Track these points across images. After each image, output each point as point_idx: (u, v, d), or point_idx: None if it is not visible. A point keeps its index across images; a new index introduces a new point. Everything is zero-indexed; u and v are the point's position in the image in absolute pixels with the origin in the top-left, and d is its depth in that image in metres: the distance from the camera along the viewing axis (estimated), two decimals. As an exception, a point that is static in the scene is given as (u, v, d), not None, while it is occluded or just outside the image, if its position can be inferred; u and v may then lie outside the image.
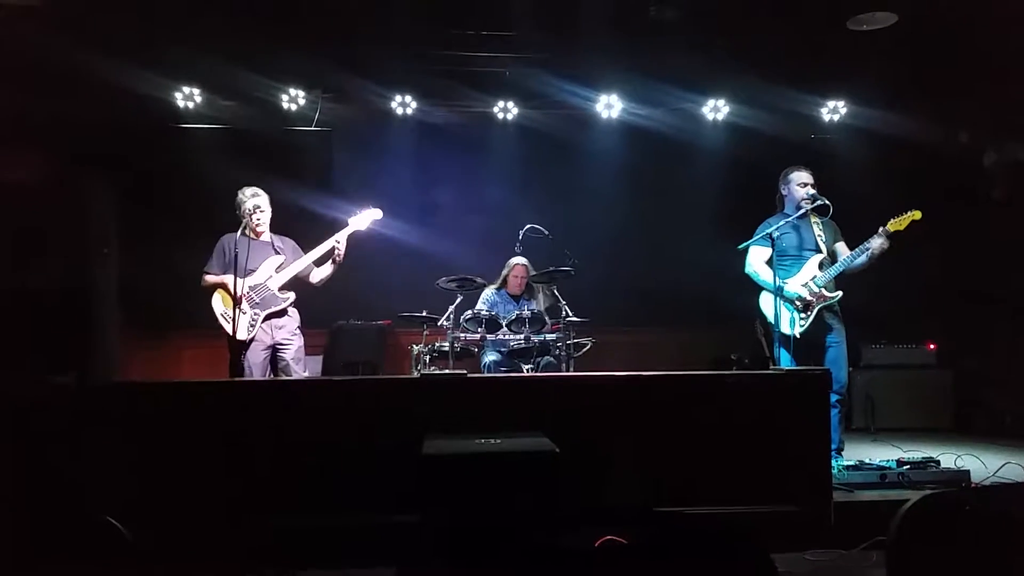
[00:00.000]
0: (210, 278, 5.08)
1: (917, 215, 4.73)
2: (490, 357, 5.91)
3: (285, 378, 5.00)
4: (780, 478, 3.80)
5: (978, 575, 2.24)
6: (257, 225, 5.15)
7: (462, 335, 5.80)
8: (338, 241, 5.16)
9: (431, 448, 3.11)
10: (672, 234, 7.27)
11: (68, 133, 6.42)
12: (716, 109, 7.48)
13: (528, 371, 5.69)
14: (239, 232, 4.99)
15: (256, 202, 5.12)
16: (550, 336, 5.78)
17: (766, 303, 4.97)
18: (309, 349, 5.40)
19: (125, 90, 6.44)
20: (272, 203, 5.20)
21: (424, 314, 5.91)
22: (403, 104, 7.26)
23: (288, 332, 5.11)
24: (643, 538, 2.07)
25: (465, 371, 4.27)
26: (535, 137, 7.51)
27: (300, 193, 5.98)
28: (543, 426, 3.42)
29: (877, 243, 4.71)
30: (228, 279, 4.97)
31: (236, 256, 4.91)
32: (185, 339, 7.08)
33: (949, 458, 4.66)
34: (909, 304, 6.93)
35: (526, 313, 5.74)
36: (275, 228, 5.27)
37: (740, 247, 5.01)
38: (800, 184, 5.01)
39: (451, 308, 5.83)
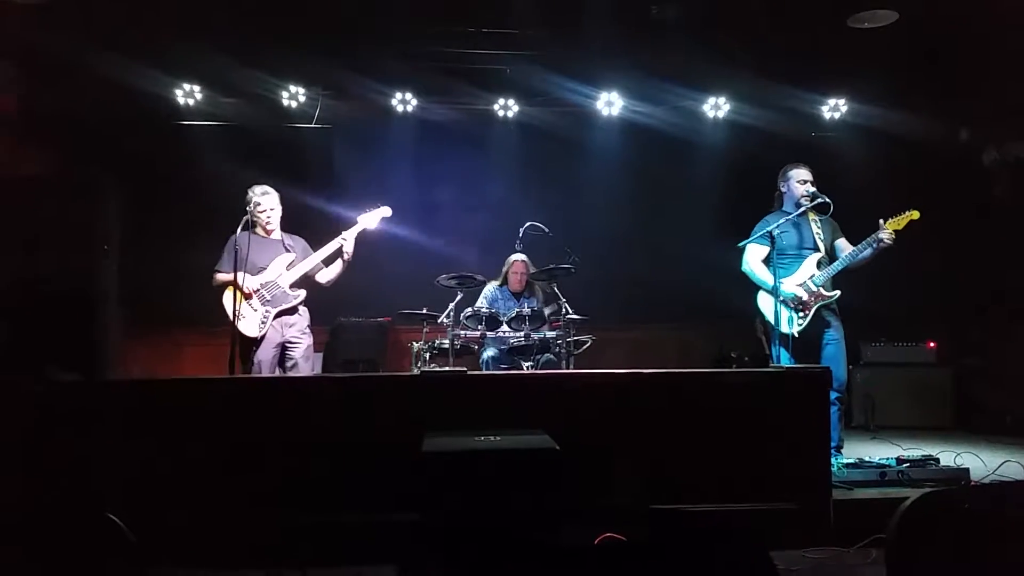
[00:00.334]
0: (221, 276, 5.09)
1: (915, 215, 4.73)
2: (490, 354, 5.91)
3: (285, 375, 5.00)
4: (779, 476, 3.80)
5: (977, 573, 2.24)
6: (267, 223, 5.16)
7: (462, 332, 5.80)
8: (345, 239, 5.17)
9: (431, 446, 3.11)
10: (672, 232, 7.27)
11: (69, 129, 6.42)
12: (717, 107, 7.48)
13: (528, 368, 5.69)
14: (240, 228, 4.99)
15: (265, 200, 5.14)
16: (550, 333, 5.78)
17: (764, 302, 4.97)
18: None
19: (126, 87, 6.44)
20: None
21: (424, 311, 5.91)
22: (404, 101, 7.27)
23: (298, 330, 5.12)
24: (643, 536, 2.08)
25: (465, 368, 4.26)
26: (536, 134, 7.51)
27: (300, 190, 5.96)
28: (543, 424, 3.42)
29: (886, 235, 4.69)
30: (239, 276, 5.00)
31: (237, 252, 4.91)
32: (186, 336, 7.09)
33: (949, 456, 4.66)
34: (909, 303, 6.93)
35: (526, 310, 5.74)
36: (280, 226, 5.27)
37: (740, 245, 5.01)
38: (799, 181, 5.00)
39: (451, 305, 5.83)
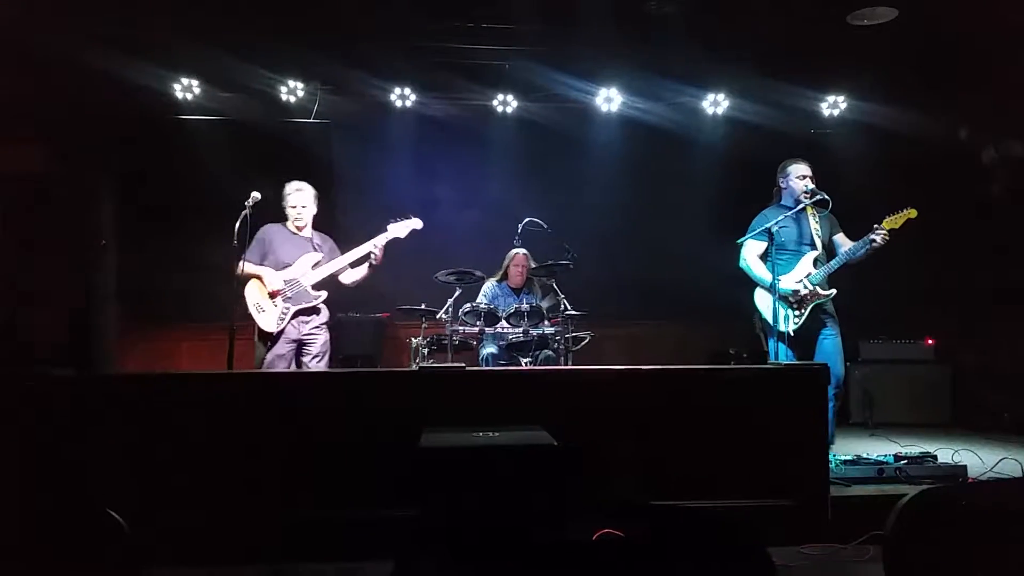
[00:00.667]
0: (248, 267, 5.08)
1: (913, 213, 4.74)
2: (488, 350, 5.91)
3: (283, 371, 5.00)
4: (777, 472, 3.81)
5: (974, 570, 2.24)
6: (297, 219, 5.16)
7: (461, 328, 5.80)
8: (376, 247, 5.18)
9: (429, 441, 3.11)
10: (671, 228, 7.26)
11: (65, 124, 6.41)
12: (716, 103, 7.47)
13: (526, 364, 5.70)
14: (241, 220, 4.97)
15: (297, 197, 5.15)
16: (549, 330, 5.78)
17: (761, 299, 4.98)
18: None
19: (124, 82, 6.43)
20: (269, 195, 5.19)
21: (423, 307, 5.91)
22: (402, 96, 7.25)
23: (314, 327, 5.13)
24: (640, 532, 2.08)
25: (463, 364, 4.26)
26: (534, 130, 7.50)
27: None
28: (541, 420, 3.42)
29: (878, 236, 4.70)
30: (264, 271, 5.01)
31: (268, 245, 4.91)
32: (184, 332, 7.08)
33: (946, 453, 4.67)
34: (907, 300, 6.93)
35: (525, 307, 5.74)
36: (272, 219, 5.26)
37: (739, 241, 5.01)
38: (799, 176, 5.01)
39: (450, 301, 5.83)
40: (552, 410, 3.61)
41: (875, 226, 4.73)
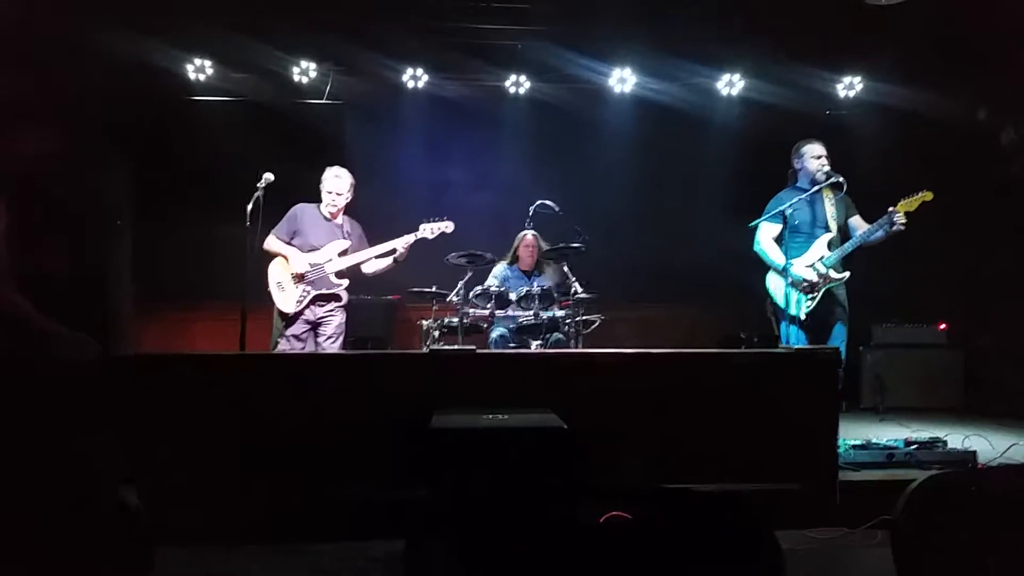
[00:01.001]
0: (274, 244, 5.10)
1: (928, 196, 4.70)
2: (499, 333, 5.92)
3: (295, 352, 5.04)
4: (786, 456, 3.81)
5: (983, 556, 2.24)
6: (331, 205, 5.18)
7: (471, 311, 5.81)
8: (404, 244, 5.20)
9: (439, 423, 3.13)
10: (684, 210, 7.24)
11: (80, 105, 6.42)
12: (731, 84, 7.40)
13: (537, 347, 5.70)
14: (253, 201, 4.98)
15: (334, 183, 5.17)
16: (559, 313, 5.78)
17: (773, 283, 4.96)
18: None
19: (137, 62, 6.43)
20: (282, 176, 5.20)
21: (433, 289, 5.92)
22: (415, 77, 7.23)
23: (328, 309, 5.16)
24: (648, 514, 2.09)
25: (474, 347, 4.28)
26: (547, 111, 7.47)
27: (311, 166, 5.97)
28: (551, 402, 3.44)
29: (899, 219, 4.68)
30: (291, 251, 5.03)
31: (300, 227, 4.95)
32: (198, 312, 7.13)
33: (957, 438, 4.65)
34: (920, 283, 6.88)
35: (536, 289, 5.74)
36: (289, 200, 5.27)
37: (753, 224, 4.99)
38: (814, 157, 4.98)
39: (460, 283, 5.83)
40: (562, 393, 3.62)
41: (891, 209, 4.70)
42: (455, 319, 5.76)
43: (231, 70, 7.05)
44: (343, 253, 5.16)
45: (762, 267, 5.05)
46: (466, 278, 5.86)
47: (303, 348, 5.07)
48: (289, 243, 5.13)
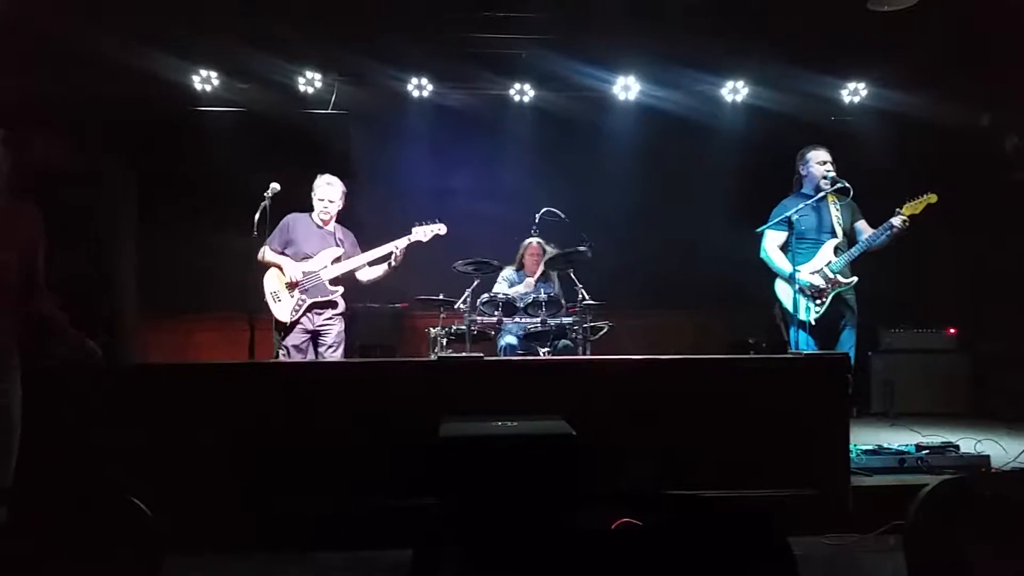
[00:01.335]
0: (268, 255, 5.11)
1: (933, 199, 4.69)
2: (506, 340, 5.91)
3: (301, 360, 5.03)
4: (798, 462, 3.79)
5: (997, 561, 2.22)
6: (323, 213, 5.17)
7: (479, 318, 5.80)
8: (397, 248, 5.19)
9: (448, 431, 3.12)
10: (690, 217, 7.22)
11: (86, 117, 6.46)
12: (735, 91, 7.40)
13: (544, 354, 5.69)
14: (260, 211, 4.99)
15: (326, 191, 5.16)
16: (567, 319, 5.77)
17: (781, 289, 4.95)
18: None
19: (144, 73, 6.46)
20: (288, 186, 5.21)
21: (441, 297, 5.92)
22: (419, 87, 7.25)
23: (327, 318, 5.15)
24: (659, 521, 2.07)
25: (482, 354, 4.27)
26: (551, 120, 7.48)
27: (317, 175, 5.99)
28: (560, 409, 3.42)
29: (898, 221, 4.68)
30: (284, 261, 5.03)
31: (291, 235, 4.92)
32: (204, 321, 7.13)
33: (969, 443, 4.62)
34: (929, 288, 6.86)
35: (543, 296, 5.73)
36: (295, 210, 5.27)
37: (758, 231, 4.98)
38: (819, 163, 4.97)
39: (468, 291, 5.84)
40: (571, 400, 3.61)
41: (896, 210, 4.70)
42: (463, 326, 5.75)
43: (237, 81, 7.07)
44: (337, 260, 5.16)
45: (769, 273, 5.04)
46: (473, 286, 5.87)
47: (303, 359, 5.06)
48: (282, 253, 5.12)
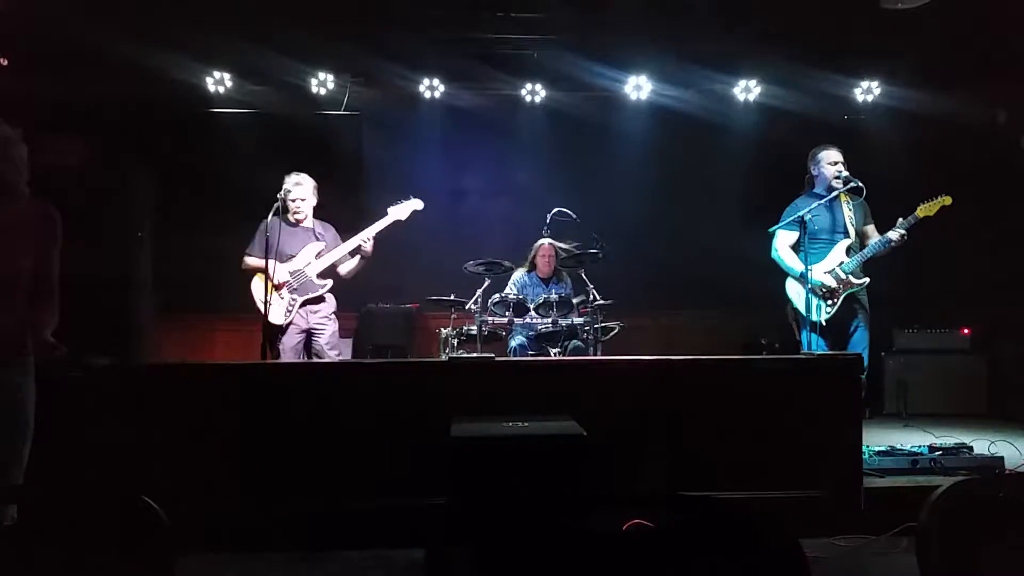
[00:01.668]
0: (251, 261, 5.14)
1: (947, 200, 4.67)
2: (517, 341, 5.92)
3: (315, 361, 5.06)
4: (810, 463, 3.78)
5: (1011, 563, 2.21)
6: (296, 212, 5.19)
7: (490, 319, 5.81)
8: (367, 239, 5.18)
9: (459, 431, 3.13)
10: (702, 217, 7.20)
11: (102, 118, 6.51)
12: (748, 90, 7.37)
13: (555, 355, 5.69)
14: (272, 214, 5.03)
15: (296, 190, 5.17)
16: (578, 320, 5.77)
17: (793, 289, 4.94)
18: (339, 332, 5.45)
19: (158, 75, 6.51)
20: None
21: (452, 298, 5.93)
22: (431, 88, 7.26)
23: (323, 316, 5.17)
24: (671, 522, 2.07)
25: (493, 355, 4.28)
26: (563, 119, 7.47)
27: (329, 177, 6.02)
28: (571, 410, 3.43)
29: (896, 236, 4.68)
30: (269, 264, 5.04)
31: (269, 240, 4.94)
32: (218, 322, 7.18)
33: (983, 444, 4.59)
34: (943, 288, 6.82)
35: (554, 297, 5.73)
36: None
37: (770, 231, 4.97)
38: (830, 163, 4.95)
39: (479, 292, 5.84)
40: (582, 400, 3.62)
41: (899, 220, 4.70)
42: (474, 327, 5.76)
43: (250, 82, 7.11)
44: (320, 254, 5.18)
45: (782, 273, 5.02)
46: (484, 286, 5.87)
47: (299, 358, 5.08)
48: (264, 258, 5.14)
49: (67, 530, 2.05)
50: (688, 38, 6.60)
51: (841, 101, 7.45)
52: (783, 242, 4.97)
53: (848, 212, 4.93)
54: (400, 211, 5.35)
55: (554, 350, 5.77)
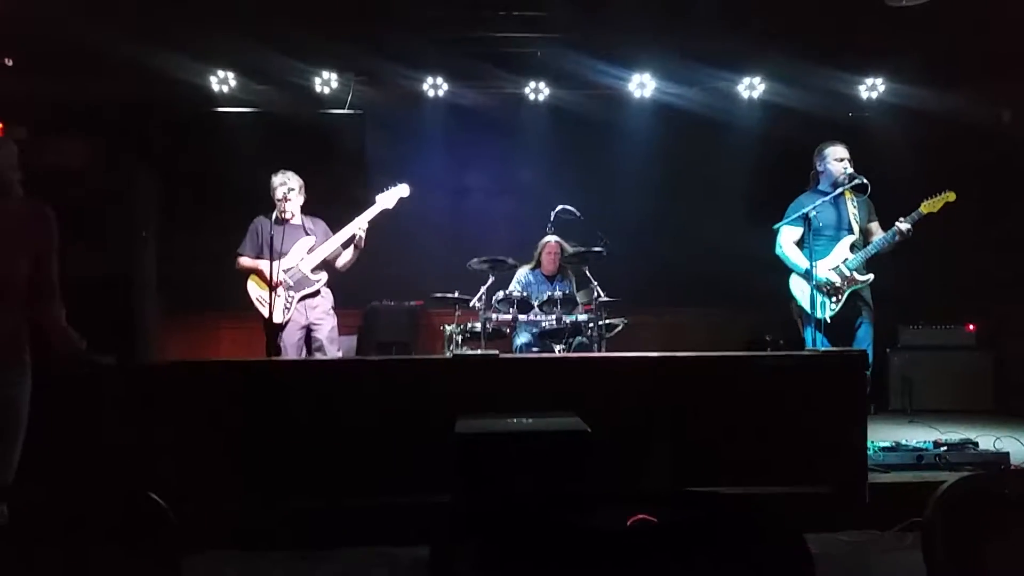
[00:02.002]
0: (244, 261, 5.17)
1: (951, 196, 4.67)
2: (522, 339, 5.92)
3: (319, 358, 5.07)
4: (815, 459, 3.78)
5: (1016, 559, 2.21)
6: (283, 210, 5.20)
7: (494, 316, 5.81)
8: (360, 228, 5.19)
9: (464, 427, 3.13)
10: (706, 214, 7.19)
11: (105, 118, 6.52)
12: (752, 87, 7.36)
13: (560, 352, 5.70)
14: (272, 215, 5.05)
15: (284, 187, 5.18)
16: (582, 317, 5.77)
17: (797, 285, 4.93)
18: (344, 329, 5.48)
19: (161, 75, 6.52)
20: (306, 187, 5.24)
21: (456, 295, 5.93)
22: (435, 86, 7.26)
23: (321, 312, 5.19)
24: (675, 518, 2.07)
25: (497, 352, 4.28)
26: (567, 118, 7.47)
27: (333, 176, 6.04)
28: (575, 406, 3.43)
29: (905, 227, 4.67)
30: (261, 264, 5.06)
31: (272, 239, 4.96)
32: (222, 321, 7.19)
33: (988, 440, 4.58)
34: (947, 284, 6.81)
35: (558, 294, 5.74)
36: (309, 211, 5.32)
37: (775, 227, 4.96)
38: (836, 159, 4.95)
39: (483, 289, 5.85)
40: (586, 397, 3.62)
41: (902, 218, 4.69)
42: (478, 324, 5.76)
43: (253, 82, 7.12)
44: (312, 249, 5.20)
45: (786, 270, 5.02)
46: (488, 283, 5.88)
47: (299, 355, 5.10)
48: (257, 258, 5.17)
49: (75, 527, 2.06)
50: (692, 36, 6.59)
51: (845, 98, 7.44)
52: (787, 238, 4.97)
53: (852, 209, 4.92)
54: (387, 198, 5.37)
55: (558, 347, 5.77)
